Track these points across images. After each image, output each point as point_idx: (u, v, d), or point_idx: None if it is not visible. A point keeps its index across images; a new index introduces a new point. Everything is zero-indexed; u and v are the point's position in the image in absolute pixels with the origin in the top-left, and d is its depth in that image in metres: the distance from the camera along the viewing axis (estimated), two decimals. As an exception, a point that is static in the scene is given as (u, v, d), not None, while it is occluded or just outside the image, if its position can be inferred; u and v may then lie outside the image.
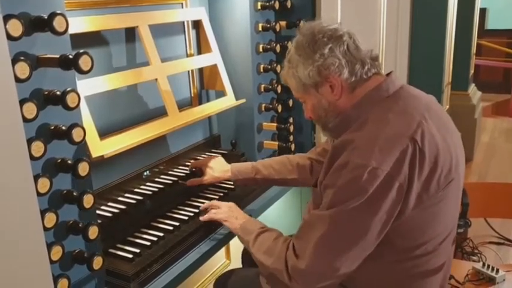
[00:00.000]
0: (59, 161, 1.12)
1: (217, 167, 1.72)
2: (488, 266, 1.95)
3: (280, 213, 2.11)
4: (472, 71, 4.71)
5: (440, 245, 1.26)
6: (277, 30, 1.96)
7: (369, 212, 1.13)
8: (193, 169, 1.77)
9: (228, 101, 1.92)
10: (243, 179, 1.70)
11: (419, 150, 1.13)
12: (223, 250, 2.11)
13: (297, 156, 1.74)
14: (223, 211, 1.50)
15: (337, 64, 1.22)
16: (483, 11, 6.61)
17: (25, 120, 0.97)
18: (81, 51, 1.07)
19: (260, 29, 1.95)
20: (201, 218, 1.52)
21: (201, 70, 1.97)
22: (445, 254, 1.29)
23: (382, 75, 1.29)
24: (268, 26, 1.95)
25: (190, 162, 1.89)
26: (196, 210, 1.60)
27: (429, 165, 1.15)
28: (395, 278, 1.27)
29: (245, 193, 1.77)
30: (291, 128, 2.08)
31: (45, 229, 1.04)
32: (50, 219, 1.07)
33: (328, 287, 1.28)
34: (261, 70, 2.00)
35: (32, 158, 0.99)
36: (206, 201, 1.62)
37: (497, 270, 1.93)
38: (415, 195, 1.14)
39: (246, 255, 1.80)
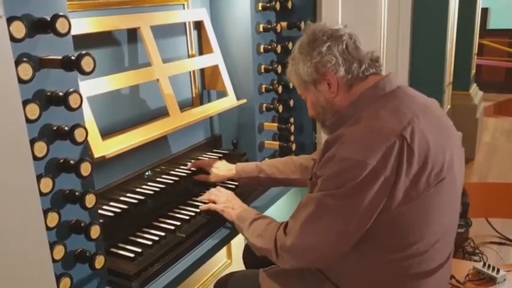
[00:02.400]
0: (62, 161, 1.13)
1: (222, 167, 1.77)
2: (489, 265, 1.95)
3: (281, 212, 2.12)
4: (473, 71, 4.71)
5: (434, 247, 1.26)
6: (278, 30, 1.97)
7: (353, 202, 1.16)
8: (193, 169, 1.79)
9: (229, 101, 1.93)
10: (247, 177, 1.73)
11: (408, 146, 1.16)
12: (224, 250, 2.12)
13: (301, 157, 1.77)
14: (221, 201, 1.56)
15: (333, 62, 1.26)
16: (485, 11, 6.60)
17: (28, 121, 0.98)
18: (84, 52, 1.08)
19: (261, 29, 1.96)
20: (201, 207, 1.59)
21: (202, 70, 1.98)
22: (439, 257, 1.30)
23: (380, 75, 1.32)
24: (269, 26, 1.96)
25: (191, 162, 1.90)
26: (198, 210, 1.61)
27: (418, 162, 1.17)
28: (387, 278, 1.28)
29: (247, 192, 1.78)
30: (292, 128, 2.09)
31: (48, 228, 1.05)
32: (53, 218, 1.08)
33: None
34: (262, 70, 2.01)
35: (34, 158, 1.00)
36: (212, 189, 1.66)
37: (498, 270, 1.93)
38: (402, 190, 1.16)
39: (247, 255, 1.81)
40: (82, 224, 1.18)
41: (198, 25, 1.93)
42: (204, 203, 1.62)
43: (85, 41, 1.40)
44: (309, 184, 1.36)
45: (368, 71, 1.29)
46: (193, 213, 1.60)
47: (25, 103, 0.97)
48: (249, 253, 1.73)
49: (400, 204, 1.17)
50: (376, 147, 1.15)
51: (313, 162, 1.68)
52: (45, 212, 1.05)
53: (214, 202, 1.59)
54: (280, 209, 2.06)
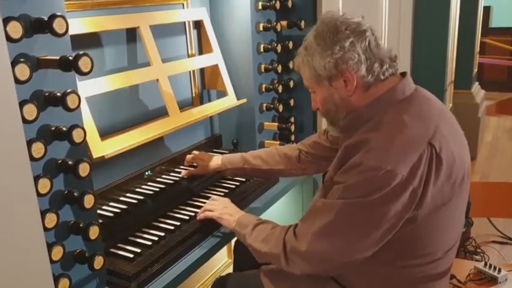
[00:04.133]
0: (60, 161, 1.12)
1: (208, 158, 1.77)
2: (490, 265, 1.94)
3: (281, 212, 2.12)
4: (475, 70, 4.69)
5: (448, 252, 1.26)
6: (278, 30, 1.96)
7: (377, 212, 1.11)
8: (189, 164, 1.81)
9: (229, 101, 1.92)
10: (232, 168, 1.73)
11: (436, 156, 1.12)
12: (225, 249, 2.11)
13: (286, 147, 1.75)
14: (217, 209, 1.51)
15: (356, 59, 1.18)
16: (487, 9, 6.58)
17: (25, 121, 0.97)
18: (81, 52, 1.07)
19: (261, 29, 1.96)
20: (198, 218, 1.54)
21: (202, 70, 1.98)
22: (450, 260, 1.29)
23: (397, 76, 1.26)
24: (269, 25, 1.95)
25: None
26: (198, 210, 1.60)
27: (445, 171, 1.13)
28: (402, 281, 1.26)
29: (248, 191, 1.78)
30: (292, 128, 2.08)
31: (46, 229, 1.05)
32: (51, 219, 1.07)
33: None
34: (262, 70, 2.01)
35: (32, 159, 0.99)
36: (207, 201, 1.63)
37: (499, 270, 1.92)
38: (429, 200, 1.12)
39: (238, 248, 1.78)
40: (81, 225, 1.18)
41: (198, 24, 1.92)
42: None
43: (84, 41, 1.40)
44: (322, 187, 1.31)
45: (388, 71, 1.22)
46: (193, 213, 1.59)
47: (22, 104, 0.97)
48: (240, 253, 1.70)
49: (426, 214, 1.14)
50: (407, 155, 1.10)
51: (298, 151, 1.68)
52: (44, 213, 1.05)
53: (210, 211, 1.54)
54: (280, 209, 2.05)
